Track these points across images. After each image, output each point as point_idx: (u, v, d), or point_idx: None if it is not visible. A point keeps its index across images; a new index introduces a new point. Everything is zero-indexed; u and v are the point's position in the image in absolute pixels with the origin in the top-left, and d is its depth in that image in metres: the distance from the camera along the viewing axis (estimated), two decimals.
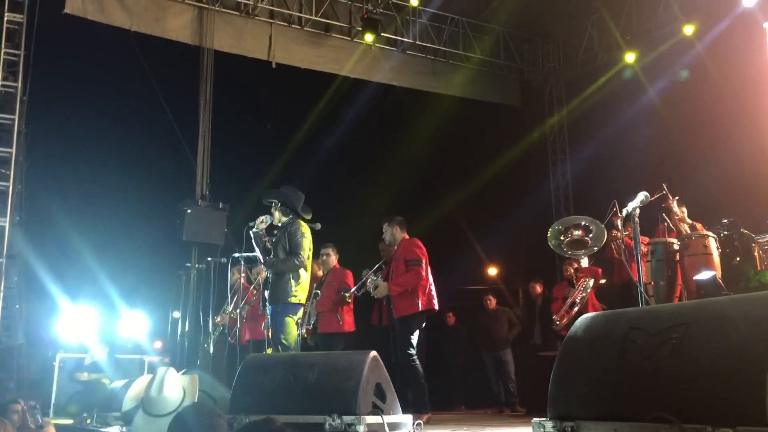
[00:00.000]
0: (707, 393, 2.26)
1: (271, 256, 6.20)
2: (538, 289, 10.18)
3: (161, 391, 4.00)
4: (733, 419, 2.17)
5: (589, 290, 7.98)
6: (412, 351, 6.48)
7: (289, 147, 11.85)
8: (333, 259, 7.76)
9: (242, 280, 8.21)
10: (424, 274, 6.56)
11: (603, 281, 8.46)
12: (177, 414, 3.51)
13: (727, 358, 2.30)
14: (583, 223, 7.36)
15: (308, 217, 6.41)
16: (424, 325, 6.67)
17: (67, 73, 11.01)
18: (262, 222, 6.29)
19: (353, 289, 7.25)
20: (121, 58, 10.52)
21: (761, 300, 2.49)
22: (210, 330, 8.44)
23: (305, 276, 6.20)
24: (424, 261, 6.59)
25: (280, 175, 11.43)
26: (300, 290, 6.11)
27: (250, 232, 6.30)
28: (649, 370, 2.41)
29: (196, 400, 4.10)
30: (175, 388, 4.11)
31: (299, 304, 6.15)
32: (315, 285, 7.34)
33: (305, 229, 6.24)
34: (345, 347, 7.17)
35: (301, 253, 6.06)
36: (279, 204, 6.30)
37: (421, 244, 6.69)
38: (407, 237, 6.81)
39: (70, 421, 6.65)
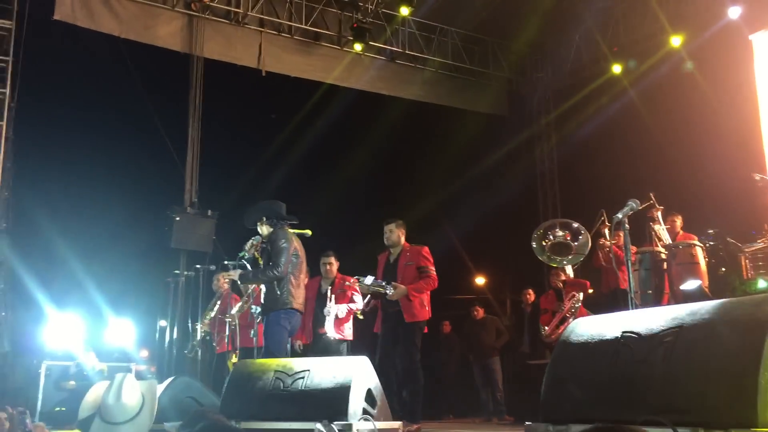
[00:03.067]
0: (699, 396, 2.28)
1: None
2: (531, 297, 10.15)
3: (119, 397, 3.94)
4: (724, 422, 2.19)
5: (579, 305, 7.98)
6: (418, 357, 6.52)
7: (278, 155, 11.85)
8: (335, 267, 7.69)
9: (226, 287, 8.22)
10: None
11: (590, 291, 8.49)
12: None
13: (718, 361, 2.32)
14: (558, 224, 7.40)
15: (294, 223, 6.36)
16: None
17: (55, 80, 10.94)
18: (251, 246, 6.23)
19: (363, 304, 7.26)
20: (110, 66, 10.50)
21: (751, 304, 2.52)
22: (195, 336, 8.41)
23: (295, 282, 6.08)
24: (433, 269, 6.67)
25: (269, 183, 11.44)
26: (290, 297, 6.01)
27: (243, 261, 6.23)
28: (641, 374, 2.43)
29: (155, 407, 4.04)
30: (134, 394, 4.06)
31: (293, 311, 6.03)
32: (327, 292, 7.32)
33: (290, 236, 6.13)
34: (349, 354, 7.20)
35: (281, 263, 5.94)
36: (264, 219, 6.20)
37: (429, 252, 6.75)
38: (406, 243, 6.84)
39: None
